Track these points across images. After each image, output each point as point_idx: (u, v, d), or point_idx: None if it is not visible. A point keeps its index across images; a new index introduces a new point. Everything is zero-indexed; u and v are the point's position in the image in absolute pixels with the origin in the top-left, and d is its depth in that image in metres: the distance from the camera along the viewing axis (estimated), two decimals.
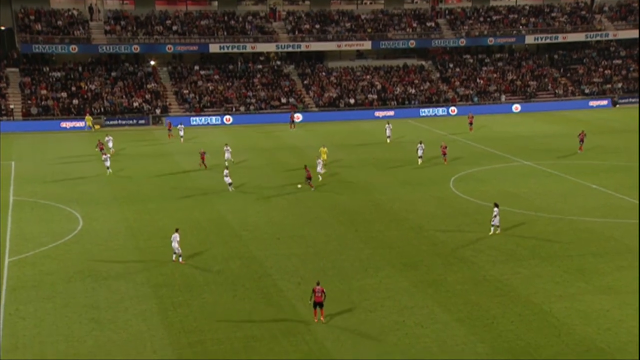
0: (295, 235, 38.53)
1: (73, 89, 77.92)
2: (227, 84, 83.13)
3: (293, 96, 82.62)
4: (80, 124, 72.67)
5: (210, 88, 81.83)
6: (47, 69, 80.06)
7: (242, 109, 79.76)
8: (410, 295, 30.51)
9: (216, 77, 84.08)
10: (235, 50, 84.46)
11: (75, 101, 76.15)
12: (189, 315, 28.37)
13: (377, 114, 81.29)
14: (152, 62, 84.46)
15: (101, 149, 56.66)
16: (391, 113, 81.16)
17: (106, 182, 49.92)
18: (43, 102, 75.06)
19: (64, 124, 72.78)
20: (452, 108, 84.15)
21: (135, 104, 77.24)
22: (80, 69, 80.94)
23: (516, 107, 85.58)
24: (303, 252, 35.87)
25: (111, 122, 74.48)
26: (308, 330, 27.20)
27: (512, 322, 27.78)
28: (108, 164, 51.79)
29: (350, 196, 46.67)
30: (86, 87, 78.24)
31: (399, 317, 28.35)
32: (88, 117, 72.76)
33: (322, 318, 27.60)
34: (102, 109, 75.89)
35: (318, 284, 27.92)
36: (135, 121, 75.37)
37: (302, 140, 67.89)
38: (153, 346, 25.82)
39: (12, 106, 73.98)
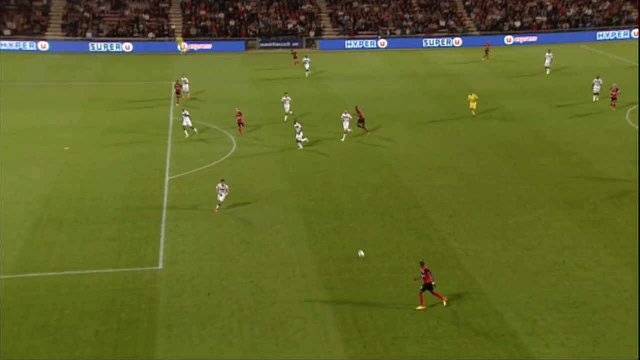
0: (448, 166, 37.85)
1: (230, 9, 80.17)
2: (383, 5, 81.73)
3: (453, 19, 79.80)
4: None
5: (366, 10, 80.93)
6: None
7: (397, 32, 78.35)
8: (572, 235, 29.18)
9: None
10: None
11: (231, 22, 78.45)
12: (337, 243, 28.99)
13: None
14: None
15: (178, 92, 51.51)
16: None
17: (259, 106, 51.36)
18: (202, 23, 78.02)
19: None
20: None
21: (290, 26, 78.23)
22: None
23: None
24: (456, 184, 35.22)
25: (265, 45, 76.08)
26: (459, 264, 26.92)
27: None
28: (189, 122, 43.13)
29: (509, 127, 44.90)
30: (243, 8, 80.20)
31: (559, 257, 27.27)
32: (179, 38, 73.46)
33: (444, 300, 23.94)
34: (258, 31, 77.62)
35: (423, 264, 24.13)
36: (289, 44, 76.44)
37: (459, 67, 65.74)
38: (302, 270, 26.75)
39: (173, 27, 77.65)
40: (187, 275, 26.40)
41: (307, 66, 61.53)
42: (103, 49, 73.22)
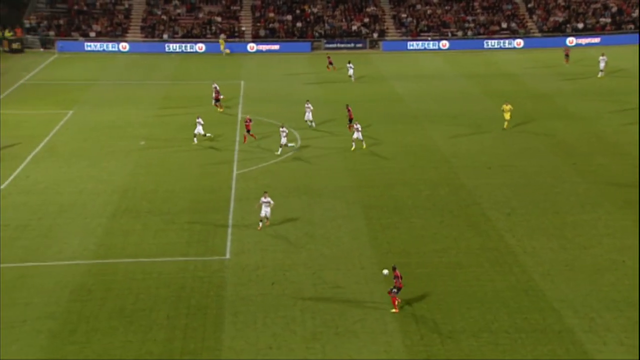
0: (506, 164, 37.09)
1: (297, 12, 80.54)
2: (446, 7, 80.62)
3: (515, 20, 78.04)
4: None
5: (429, 12, 79.99)
6: None
7: (459, 33, 77.16)
8: (632, 235, 28.22)
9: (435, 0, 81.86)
10: None
11: (298, 24, 78.80)
12: (397, 238, 28.80)
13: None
14: None
15: (217, 99, 49.27)
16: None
17: (323, 104, 51.34)
18: (270, 25, 78.66)
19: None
20: None
21: (354, 28, 78.04)
22: None
23: None
24: (514, 182, 34.51)
25: (330, 45, 76.09)
26: (516, 261, 26.37)
27: None
28: (200, 130, 41.52)
29: (568, 127, 43.65)
30: (309, 10, 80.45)
31: (618, 256, 26.40)
32: (221, 40, 73.90)
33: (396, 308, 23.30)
34: (323, 32, 77.75)
35: (395, 268, 23.53)
36: (352, 44, 76.27)
37: (520, 68, 64.19)
38: (361, 263, 26.69)
39: (243, 28, 78.57)
40: (252, 265, 26.70)
41: (351, 72, 58.71)
42: (178, 49, 74.68)
